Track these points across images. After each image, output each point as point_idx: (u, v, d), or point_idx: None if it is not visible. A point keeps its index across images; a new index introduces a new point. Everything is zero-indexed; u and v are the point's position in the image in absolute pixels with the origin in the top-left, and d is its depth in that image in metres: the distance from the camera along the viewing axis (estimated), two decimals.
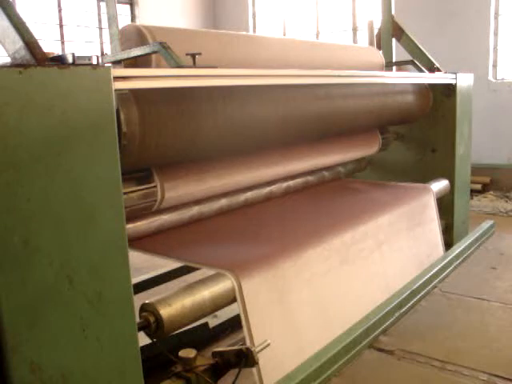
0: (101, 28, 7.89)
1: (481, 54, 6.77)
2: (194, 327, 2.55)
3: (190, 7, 9.27)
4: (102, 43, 7.96)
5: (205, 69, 1.88)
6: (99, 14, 7.88)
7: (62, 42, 7.50)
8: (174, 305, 1.80)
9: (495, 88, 6.73)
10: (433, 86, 3.94)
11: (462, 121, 3.93)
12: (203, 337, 2.72)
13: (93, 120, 1.41)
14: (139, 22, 8.19)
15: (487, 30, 6.75)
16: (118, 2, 2.38)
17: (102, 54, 7.84)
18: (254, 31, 9.30)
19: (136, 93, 1.95)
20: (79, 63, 1.39)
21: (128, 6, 8.41)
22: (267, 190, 3.13)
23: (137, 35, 2.30)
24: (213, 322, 2.84)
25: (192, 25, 9.01)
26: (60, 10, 7.42)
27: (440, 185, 3.76)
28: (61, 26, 7.46)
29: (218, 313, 2.41)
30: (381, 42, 4.16)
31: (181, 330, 1.98)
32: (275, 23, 9.12)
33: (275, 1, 9.05)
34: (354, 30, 8.02)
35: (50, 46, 7.27)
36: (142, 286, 3.00)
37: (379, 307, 2.73)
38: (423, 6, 7.08)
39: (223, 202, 2.80)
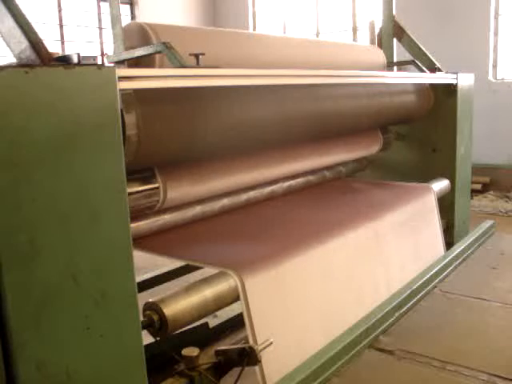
0: (101, 28, 7.89)
1: (481, 54, 6.78)
2: (194, 327, 2.55)
3: (190, 8, 9.28)
4: (102, 43, 7.97)
5: (208, 69, 1.88)
6: (99, 14, 7.88)
7: (62, 42, 7.51)
8: (178, 303, 1.81)
9: (495, 88, 6.74)
10: (434, 86, 3.95)
11: (462, 121, 3.94)
12: (203, 337, 2.72)
13: (98, 120, 1.42)
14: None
15: (487, 30, 6.76)
16: None
17: (103, 53, 7.84)
18: (254, 31, 9.31)
19: (139, 93, 1.95)
20: (84, 63, 1.40)
21: (128, 6, 8.41)
22: (269, 189, 3.14)
23: (139, 33, 2.30)
24: (213, 322, 2.84)
25: (192, 25, 9.01)
26: (60, 10, 7.43)
27: (441, 184, 3.77)
28: (61, 26, 7.47)
29: (217, 313, 2.41)
30: (382, 41, 4.17)
31: (181, 330, 1.99)
32: (275, 23, 9.13)
33: (275, 1, 9.05)
34: (354, 29, 8.03)
35: (50, 45, 7.26)
36: (143, 286, 3.01)
37: (379, 307, 2.73)
38: (424, 6, 7.10)
39: (225, 201, 2.80)
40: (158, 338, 1.85)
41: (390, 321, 2.74)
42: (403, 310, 2.86)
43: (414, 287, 3.00)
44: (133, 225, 2.33)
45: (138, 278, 3.07)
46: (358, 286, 2.69)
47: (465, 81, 3.95)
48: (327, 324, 2.44)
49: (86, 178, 1.40)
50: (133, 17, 8.42)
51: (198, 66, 2.05)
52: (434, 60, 3.98)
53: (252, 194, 3.00)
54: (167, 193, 2.31)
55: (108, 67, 1.45)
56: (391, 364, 2.41)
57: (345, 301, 2.58)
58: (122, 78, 1.50)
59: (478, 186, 6.43)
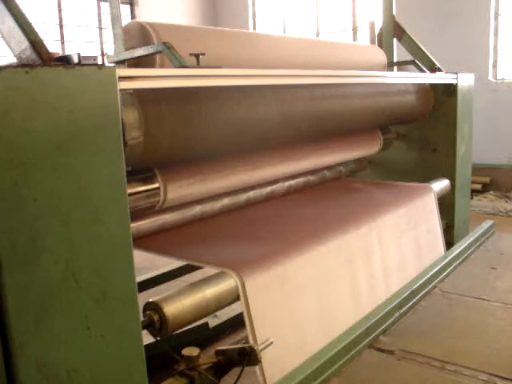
0: (101, 28, 7.89)
1: (481, 54, 6.79)
2: (194, 327, 2.55)
3: (190, 8, 9.28)
4: (102, 43, 7.97)
5: (208, 69, 1.88)
6: (99, 14, 7.88)
7: (62, 42, 7.51)
8: (178, 303, 1.81)
9: (495, 88, 6.74)
10: (434, 86, 3.95)
11: (462, 120, 3.95)
12: (203, 337, 2.73)
13: (98, 120, 1.42)
14: None
15: (487, 30, 6.77)
16: None
17: (103, 54, 7.85)
18: (254, 31, 9.31)
19: (140, 93, 1.95)
20: (85, 63, 1.40)
21: (128, 6, 8.41)
22: (269, 189, 3.14)
23: (140, 32, 2.30)
24: (213, 322, 2.84)
25: (192, 25, 9.01)
26: (60, 10, 7.42)
27: (441, 184, 3.78)
28: (61, 26, 7.47)
29: (217, 313, 2.42)
30: (382, 41, 4.17)
31: (181, 330, 1.99)
32: (275, 23, 9.14)
33: (275, 1, 9.05)
34: (354, 29, 8.03)
35: (50, 45, 7.26)
36: (143, 286, 3.01)
37: (379, 307, 2.73)
38: (424, 6, 7.10)
39: (225, 201, 2.81)
40: (158, 338, 1.85)
41: (390, 321, 2.74)
42: (403, 310, 2.86)
43: (414, 287, 3.00)
44: (133, 225, 2.33)
45: (138, 278, 3.07)
46: (357, 286, 2.69)
47: (465, 81, 3.95)
48: (327, 324, 2.44)
49: (86, 178, 1.40)
50: (133, 17, 8.42)
51: (198, 65, 2.05)
52: (434, 60, 3.98)
53: (252, 193, 3.00)
54: (167, 193, 2.31)
55: (108, 67, 1.45)
56: (391, 364, 2.41)
57: (345, 301, 2.58)
58: (122, 78, 1.50)
59: (478, 186, 6.44)
